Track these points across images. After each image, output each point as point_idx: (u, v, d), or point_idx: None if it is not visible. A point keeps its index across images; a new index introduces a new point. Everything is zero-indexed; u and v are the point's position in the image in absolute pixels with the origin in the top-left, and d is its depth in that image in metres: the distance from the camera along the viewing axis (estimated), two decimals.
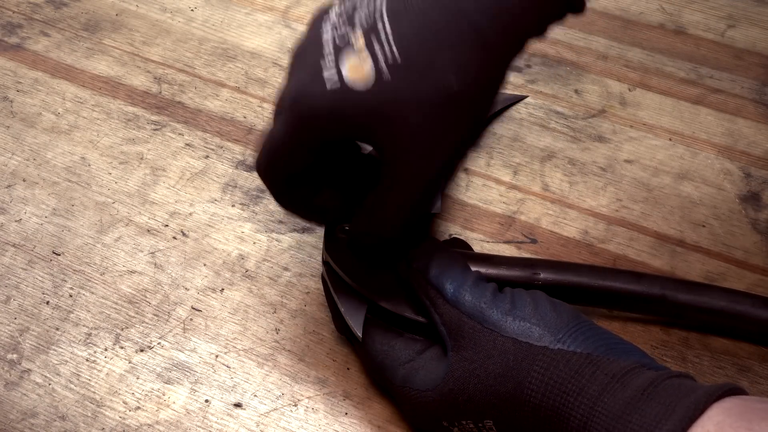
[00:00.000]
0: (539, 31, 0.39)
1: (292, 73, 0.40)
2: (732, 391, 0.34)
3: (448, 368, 0.39)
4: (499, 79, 0.39)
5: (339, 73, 0.37)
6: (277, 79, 0.63)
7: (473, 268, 0.45)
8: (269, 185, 0.42)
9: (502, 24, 0.37)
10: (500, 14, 0.37)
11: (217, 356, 0.46)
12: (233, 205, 0.54)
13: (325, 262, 0.46)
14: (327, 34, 0.38)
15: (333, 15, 0.39)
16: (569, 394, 0.36)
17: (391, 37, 0.37)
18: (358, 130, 0.39)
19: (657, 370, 0.36)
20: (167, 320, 0.47)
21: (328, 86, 0.37)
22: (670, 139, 0.60)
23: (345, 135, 0.39)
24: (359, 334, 0.43)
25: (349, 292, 0.44)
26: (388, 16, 0.37)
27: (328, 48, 0.38)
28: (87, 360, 0.45)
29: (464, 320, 0.40)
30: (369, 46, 0.37)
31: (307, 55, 0.39)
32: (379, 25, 0.37)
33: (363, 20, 0.38)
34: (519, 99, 0.62)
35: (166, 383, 0.45)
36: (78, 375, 0.45)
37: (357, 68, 0.37)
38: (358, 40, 0.37)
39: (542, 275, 0.46)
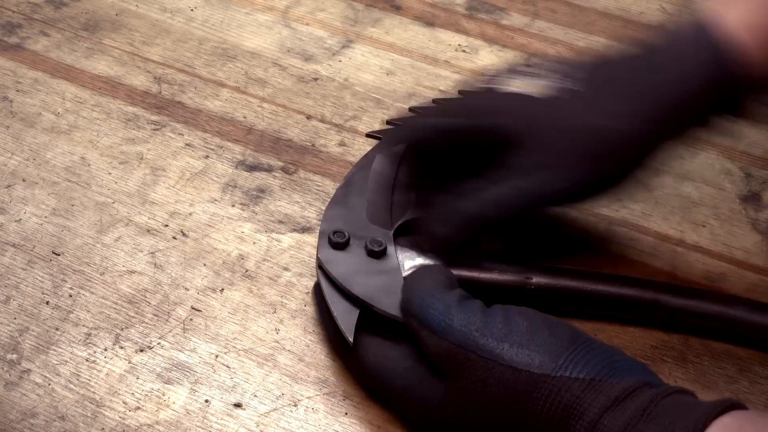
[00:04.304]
0: (699, 121, 0.45)
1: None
2: (731, 406, 0.34)
3: (445, 396, 0.39)
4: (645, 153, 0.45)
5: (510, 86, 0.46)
6: (277, 78, 0.63)
7: (466, 274, 0.45)
8: None
9: (667, 107, 0.43)
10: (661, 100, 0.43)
11: (217, 356, 0.46)
12: (233, 205, 0.54)
13: (318, 267, 0.46)
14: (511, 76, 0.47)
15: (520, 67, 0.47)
16: (571, 418, 0.36)
17: (579, 80, 0.45)
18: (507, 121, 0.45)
19: (658, 388, 0.36)
20: (167, 320, 0.47)
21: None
22: None
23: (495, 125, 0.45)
24: (350, 339, 0.43)
25: (342, 297, 0.44)
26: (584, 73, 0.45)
27: (505, 75, 0.47)
28: (87, 360, 0.45)
29: (455, 350, 0.39)
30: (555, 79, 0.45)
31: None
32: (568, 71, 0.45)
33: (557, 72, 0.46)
34: None
35: (166, 383, 0.45)
36: (78, 375, 0.45)
37: (529, 84, 0.45)
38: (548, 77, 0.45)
39: (535, 279, 0.46)
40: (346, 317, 0.43)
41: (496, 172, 0.44)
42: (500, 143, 0.44)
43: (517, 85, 0.45)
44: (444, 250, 0.46)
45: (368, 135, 0.58)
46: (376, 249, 0.46)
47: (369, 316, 0.44)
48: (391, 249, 0.46)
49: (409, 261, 0.46)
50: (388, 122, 0.59)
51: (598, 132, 0.43)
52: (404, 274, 0.45)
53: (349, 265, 0.45)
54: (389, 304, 0.43)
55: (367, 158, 0.53)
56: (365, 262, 0.46)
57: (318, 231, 0.52)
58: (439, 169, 0.48)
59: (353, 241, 0.46)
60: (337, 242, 0.46)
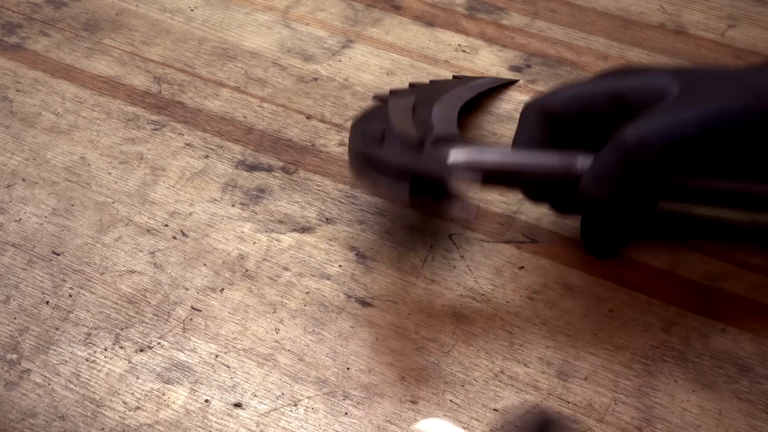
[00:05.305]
0: None
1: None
2: None
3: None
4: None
5: None
6: (277, 78, 0.63)
7: (500, 158, 0.45)
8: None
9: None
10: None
11: (217, 356, 0.46)
12: (233, 205, 0.54)
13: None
14: None
15: None
16: None
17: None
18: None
19: None
20: (167, 320, 0.47)
21: None
22: None
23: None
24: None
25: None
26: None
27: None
28: (87, 360, 0.45)
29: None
30: None
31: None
32: None
33: None
34: (510, 82, 0.63)
35: (165, 383, 0.45)
36: (78, 375, 0.45)
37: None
38: None
39: (579, 165, 0.45)
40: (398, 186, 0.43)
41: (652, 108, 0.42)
42: (652, 98, 0.42)
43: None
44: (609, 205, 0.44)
45: (375, 98, 0.59)
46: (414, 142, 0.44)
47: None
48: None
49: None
50: (374, 97, 0.59)
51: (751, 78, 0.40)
52: (449, 161, 0.44)
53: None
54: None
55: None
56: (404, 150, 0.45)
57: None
58: (572, 138, 0.45)
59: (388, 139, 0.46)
60: (374, 137, 0.45)
